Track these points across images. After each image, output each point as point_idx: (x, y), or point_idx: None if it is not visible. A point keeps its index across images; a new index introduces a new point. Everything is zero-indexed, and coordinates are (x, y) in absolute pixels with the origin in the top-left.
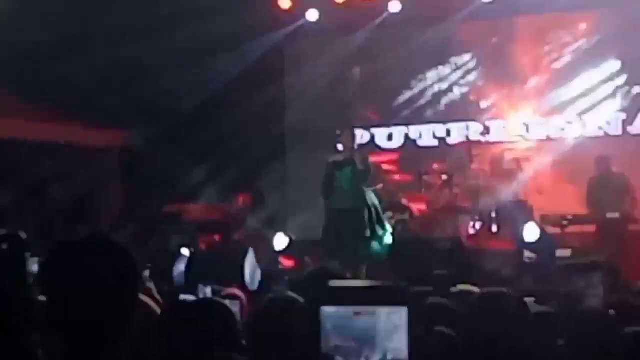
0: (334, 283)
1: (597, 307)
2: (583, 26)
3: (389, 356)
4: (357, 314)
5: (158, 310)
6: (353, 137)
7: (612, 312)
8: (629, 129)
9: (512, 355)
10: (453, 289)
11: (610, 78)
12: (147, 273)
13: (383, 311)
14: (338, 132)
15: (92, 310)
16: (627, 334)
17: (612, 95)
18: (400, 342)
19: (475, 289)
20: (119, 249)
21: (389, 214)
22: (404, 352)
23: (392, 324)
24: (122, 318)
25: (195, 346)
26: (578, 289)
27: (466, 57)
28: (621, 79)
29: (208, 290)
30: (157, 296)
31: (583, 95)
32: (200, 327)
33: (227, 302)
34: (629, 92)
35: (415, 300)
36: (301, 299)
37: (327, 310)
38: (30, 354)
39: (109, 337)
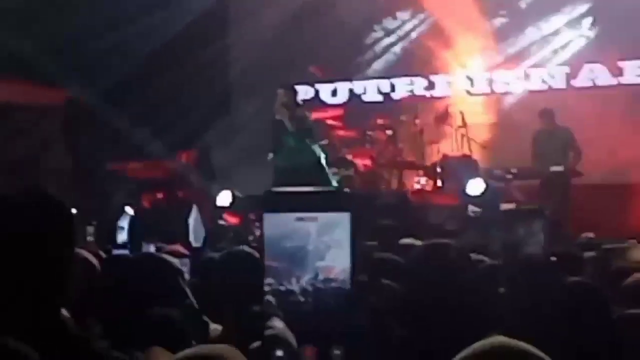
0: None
1: (537, 254)
2: None
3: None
4: (299, 219)
5: (99, 266)
6: (294, 94)
7: (553, 258)
8: (573, 82)
9: (454, 304)
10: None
11: (554, 32)
12: (90, 229)
13: (325, 216)
14: (280, 90)
15: (26, 263)
16: (566, 282)
17: (556, 48)
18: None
19: (419, 242)
20: (53, 201)
21: (334, 169)
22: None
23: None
24: (59, 271)
25: (135, 301)
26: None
27: (410, 11)
28: (565, 33)
29: (151, 248)
30: (100, 252)
31: (527, 49)
32: (140, 282)
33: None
34: (572, 45)
35: (356, 206)
36: (256, 254)
37: (270, 216)
38: None
39: (46, 290)
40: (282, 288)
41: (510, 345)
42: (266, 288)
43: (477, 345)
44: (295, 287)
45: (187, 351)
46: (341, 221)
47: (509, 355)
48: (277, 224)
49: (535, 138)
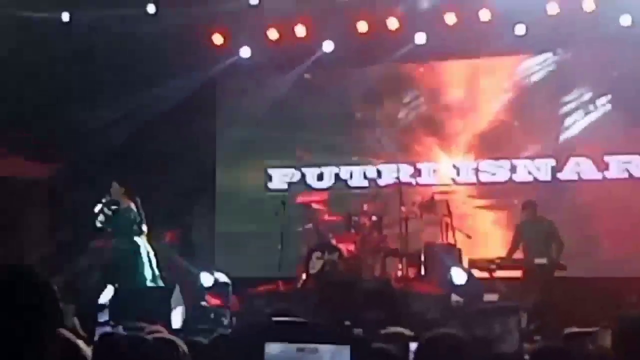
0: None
1: (511, 352)
2: (517, 70)
3: None
4: (300, 350)
5: (81, 346)
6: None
7: (526, 357)
8: (559, 175)
9: None
10: (383, 331)
11: (541, 124)
12: (71, 309)
13: (325, 349)
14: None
15: (8, 341)
16: None
17: (542, 141)
18: None
19: (407, 331)
20: (35, 276)
21: (318, 253)
22: None
23: None
24: (41, 350)
25: None
26: (494, 333)
27: (398, 98)
28: (551, 126)
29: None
30: (81, 332)
31: (513, 140)
32: None
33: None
34: (557, 138)
35: (357, 341)
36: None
37: (272, 346)
38: None
39: None
40: None
41: None
42: None
43: None
44: None
45: None
46: (342, 353)
47: None
48: (278, 354)
49: (518, 229)
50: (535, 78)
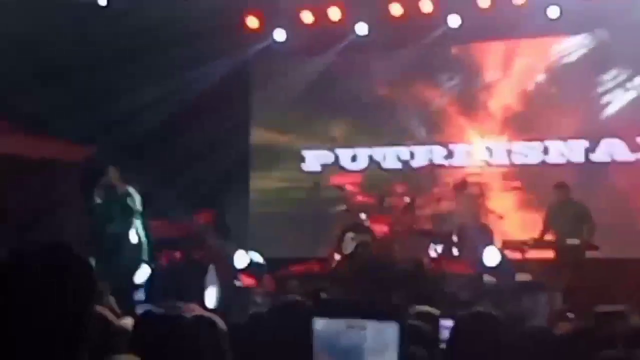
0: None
1: (541, 325)
2: (551, 52)
3: None
4: (349, 327)
5: (117, 323)
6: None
7: (557, 331)
8: (591, 156)
9: None
10: (412, 310)
11: (574, 105)
12: (106, 287)
13: (374, 325)
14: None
15: (45, 318)
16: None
17: (575, 122)
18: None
19: (434, 311)
20: (74, 255)
21: (351, 234)
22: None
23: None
24: (78, 327)
25: None
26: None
27: (431, 80)
28: (584, 107)
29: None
30: (117, 309)
31: (546, 122)
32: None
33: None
34: (590, 119)
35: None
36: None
37: (319, 322)
38: None
39: (64, 347)
40: None
41: None
42: None
43: None
44: None
45: None
46: (390, 330)
47: None
48: (326, 330)
49: (550, 210)
50: (569, 59)
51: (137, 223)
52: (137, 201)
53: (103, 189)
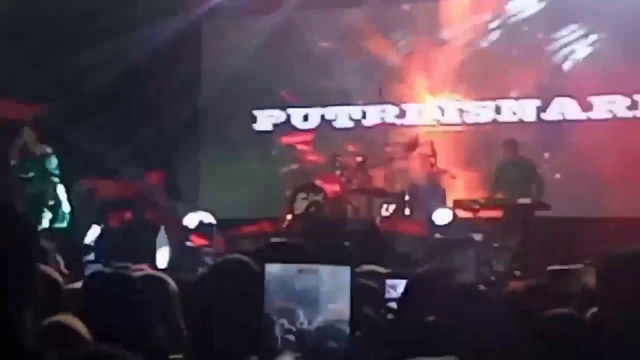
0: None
1: (468, 281)
2: (505, 8)
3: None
4: (300, 271)
5: (64, 282)
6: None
7: (481, 286)
8: (542, 115)
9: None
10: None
11: (527, 63)
12: (52, 247)
13: (326, 269)
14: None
15: None
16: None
17: (527, 81)
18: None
19: (381, 269)
20: (15, 212)
21: (303, 194)
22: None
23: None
24: (21, 286)
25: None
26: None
27: (385, 38)
28: (535, 64)
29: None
30: (64, 270)
31: (498, 80)
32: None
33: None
34: (543, 78)
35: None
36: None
37: (271, 268)
38: None
39: (6, 305)
40: (294, 328)
41: None
42: (278, 328)
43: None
44: (308, 327)
45: None
46: (342, 273)
47: None
48: (278, 275)
49: (498, 168)
50: (524, 16)
51: (56, 184)
52: (54, 162)
53: (18, 150)
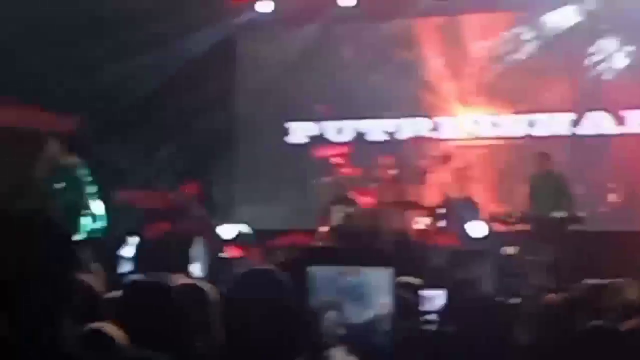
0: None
1: (488, 292)
2: (540, 22)
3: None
4: (342, 273)
5: (102, 291)
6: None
7: (500, 298)
8: (576, 129)
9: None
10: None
11: (559, 77)
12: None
13: (367, 271)
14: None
15: (23, 285)
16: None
17: (561, 95)
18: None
19: (417, 281)
20: (51, 221)
21: (338, 207)
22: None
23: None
24: (58, 294)
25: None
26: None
27: (418, 52)
28: (567, 78)
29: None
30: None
31: (533, 93)
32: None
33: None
34: (577, 92)
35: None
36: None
37: (314, 270)
38: None
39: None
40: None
41: None
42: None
43: None
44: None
45: None
46: (384, 275)
47: None
48: (321, 278)
49: (532, 181)
50: (558, 30)
51: (90, 194)
52: (84, 172)
53: (45, 163)
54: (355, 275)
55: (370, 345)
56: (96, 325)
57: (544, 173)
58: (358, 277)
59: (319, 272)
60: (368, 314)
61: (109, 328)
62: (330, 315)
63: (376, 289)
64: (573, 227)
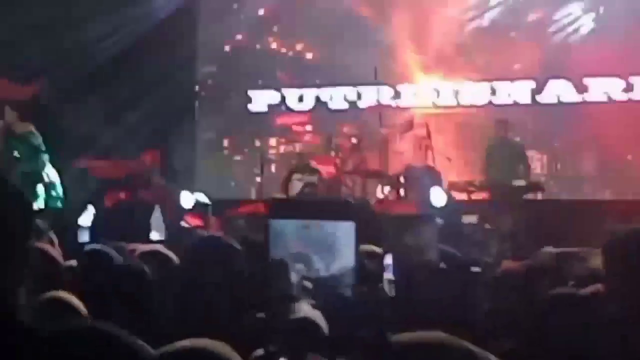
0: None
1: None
2: None
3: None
4: (305, 227)
5: (60, 260)
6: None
7: (442, 264)
8: (538, 97)
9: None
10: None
11: (521, 45)
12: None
13: (330, 225)
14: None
15: None
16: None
17: (522, 62)
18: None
19: (378, 249)
20: (11, 186)
21: (298, 175)
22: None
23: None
24: (15, 262)
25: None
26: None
27: (378, 19)
28: (530, 46)
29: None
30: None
31: (494, 62)
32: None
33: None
34: (538, 60)
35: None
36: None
37: (275, 223)
38: None
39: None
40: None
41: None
42: (295, 274)
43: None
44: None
45: (172, 345)
46: (347, 229)
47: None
48: (282, 231)
49: (488, 148)
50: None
51: (45, 162)
52: (38, 140)
53: (1, 132)
54: (317, 228)
55: (333, 298)
56: (54, 294)
57: (502, 140)
58: (320, 231)
59: (281, 225)
60: (332, 268)
61: (67, 296)
62: (298, 267)
63: (339, 243)
64: (531, 195)
